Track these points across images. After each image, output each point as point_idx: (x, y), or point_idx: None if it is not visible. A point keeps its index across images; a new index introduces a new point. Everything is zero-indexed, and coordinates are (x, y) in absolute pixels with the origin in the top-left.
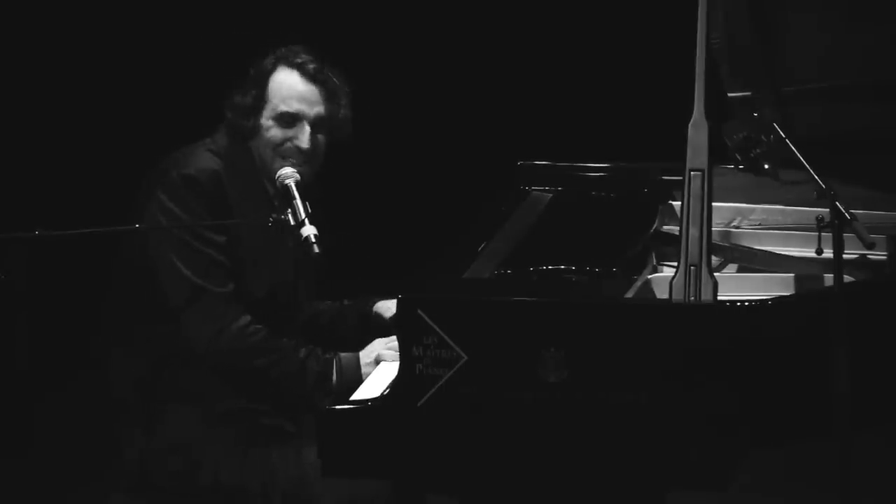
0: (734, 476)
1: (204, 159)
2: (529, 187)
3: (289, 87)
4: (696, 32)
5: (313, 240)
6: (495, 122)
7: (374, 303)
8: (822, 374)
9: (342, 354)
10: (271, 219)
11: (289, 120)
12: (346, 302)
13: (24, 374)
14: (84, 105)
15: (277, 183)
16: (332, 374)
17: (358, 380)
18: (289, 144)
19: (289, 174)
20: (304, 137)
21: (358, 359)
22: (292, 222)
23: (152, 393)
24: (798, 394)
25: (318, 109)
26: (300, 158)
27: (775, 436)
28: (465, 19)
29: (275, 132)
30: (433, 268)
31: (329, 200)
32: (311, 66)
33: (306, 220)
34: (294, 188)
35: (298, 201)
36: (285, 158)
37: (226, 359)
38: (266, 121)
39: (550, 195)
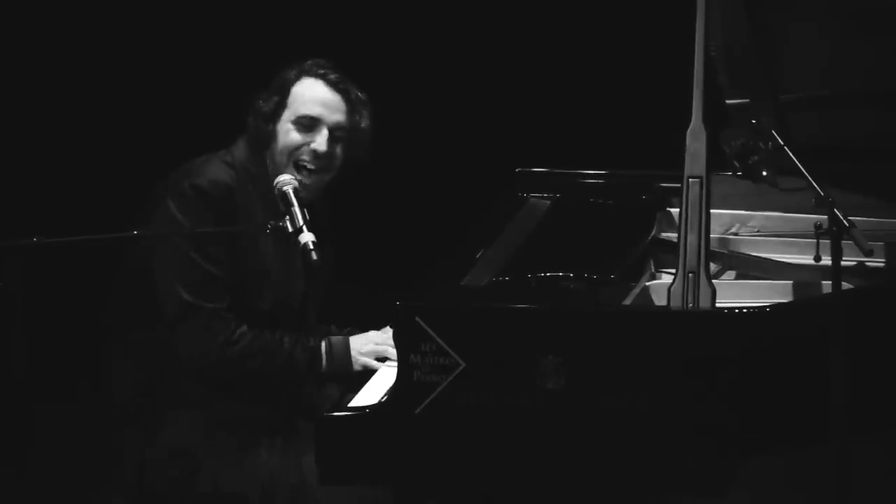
0: (731, 483)
1: (218, 171)
2: (527, 194)
3: (311, 92)
4: (694, 39)
5: (311, 247)
6: (493, 129)
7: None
8: (820, 381)
9: (332, 338)
10: (269, 226)
11: (308, 124)
12: (332, 329)
13: (21, 384)
14: (84, 112)
15: (275, 189)
16: (322, 359)
17: (348, 364)
18: (305, 148)
19: (286, 181)
20: (321, 140)
21: (348, 343)
22: (290, 229)
23: (152, 400)
24: (796, 401)
25: (339, 117)
26: (315, 164)
27: (773, 443)
28: (463, 26)
29: (293, 136)
30: (431, 275)
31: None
32: (334, 76)
33: (304, 227)
34: (292, 195)
35: (296, 208)
36: (299, 164)
37: (215, 371)
38: (285, 124)
39: (548, 202)
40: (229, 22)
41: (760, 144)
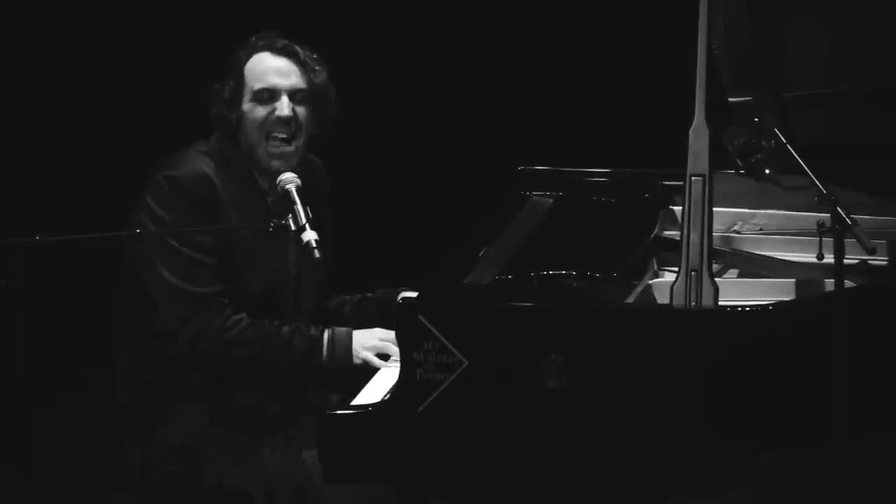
0: (734, 482)
1: (193, 161)
2: (530, 192)
3: (261, 65)
4: (696, 38)
5: (314, 245)
6: (496, 126)
7: (400, 293)
8: (823, 379)
9: (336, 329)
10: (272, 224)
11: (267, 96)
12: (368, 295)
13: (24, 381)
14: (85, 109)
15: (278, 188)
16: (322, 349)
17: (348, 358)
18: (270, 118)
19: (289, 179)
20: (283, 106)
21: (351, 335)
22: (293, 227)
23: (157, 395)
24: (799, 399)
25: (294, 80)
26: (284, 130)
27: (776, 441)
28: (467, 23)
29: (257, 111)
30: (433, 273)
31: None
32: (280, 43)
33: (307, 226)
34: (294, 193)
35: (299, 206)
36: (270, 136)
37: (204, 357)
38: (247, 104)
39: (551, 200)
40: (229, 22)
41: (763, 143)
